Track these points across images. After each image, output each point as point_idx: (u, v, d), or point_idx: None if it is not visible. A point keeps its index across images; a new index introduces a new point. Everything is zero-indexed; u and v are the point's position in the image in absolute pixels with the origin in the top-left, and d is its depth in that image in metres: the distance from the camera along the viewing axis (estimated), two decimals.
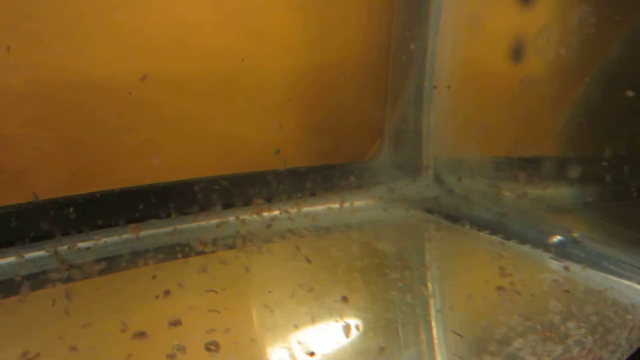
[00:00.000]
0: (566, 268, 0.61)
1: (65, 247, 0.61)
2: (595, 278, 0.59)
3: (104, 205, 0.65)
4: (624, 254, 0.61)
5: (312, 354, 0.46)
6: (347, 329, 0.49)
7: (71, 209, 0.63)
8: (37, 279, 0.56)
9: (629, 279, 0.58)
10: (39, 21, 0.60)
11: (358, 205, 0.79)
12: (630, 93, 0.59)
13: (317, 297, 0.55)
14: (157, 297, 0.54)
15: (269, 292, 0.56)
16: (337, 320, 0.51)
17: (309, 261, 0.62)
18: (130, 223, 0.66)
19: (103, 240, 0.63)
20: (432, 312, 0.55)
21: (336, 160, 0.82)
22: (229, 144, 0.75)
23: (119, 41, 0.65)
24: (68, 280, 0.56)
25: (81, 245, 0.62)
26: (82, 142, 0.65)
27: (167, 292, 0.54)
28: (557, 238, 0.66)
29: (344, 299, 0.54)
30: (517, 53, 0.73)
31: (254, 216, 0.72)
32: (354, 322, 0.51)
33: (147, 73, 0.66)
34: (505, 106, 0.76)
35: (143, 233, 0.66)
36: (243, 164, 0.75)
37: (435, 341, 0.50)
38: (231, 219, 0.71)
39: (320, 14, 0.78)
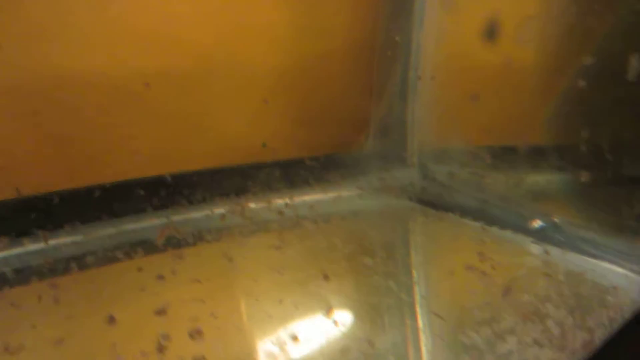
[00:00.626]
0: (546, 252, 0.62)
1: (51, 241, 0.61)
2: (575, 261, 0.60)
3: (89, 200, 0.65)
4: (603, 237, 0.61)
5: (295, 339, 0.46)
6: (330, 312, 0.50)
7: (56, 204, 0.63)
8: (22, 274, 0.56)
9: (609, 261, 0.59)
10: (26, 17, 0.60)
11: (344, 195, 0.79)
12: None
13: (302, 285, 0.56)
14: (142, 289, 0.54)
15: (254, 281, 0.57)
16: (321, 307, 0.51)
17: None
18: (115, 217, 0.66)
19: (88, 234, 0.64)
20: (417, 298, 0.55)
21: (323, 151, 0.83)
22: (216, 138, 0.75)
23: (105, 36, 0.65)
24: (53, 274, 0.56)
25: (66, 239, 0.62)
26: (68, 137, 0.65)
27: (152, 284, 0.54)
28: (537, 223, 0.67)
29: (325, 277, 0.55)
30: (498, 41, 0.73)
31: (240, 208, 0.72)
32: (338, 308, 0.51)
33: (133, 68, 0.67)
34: (489, 96, 0.77)
35: (129, 226, 0.66)
36: (230, 157, 0.75)
37: (420, 325, 0.50)
38: (217, 211, 0.71)
39: (306, 6, 0.78)
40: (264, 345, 0.46)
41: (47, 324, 0.48)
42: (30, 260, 0.59)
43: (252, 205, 0.73)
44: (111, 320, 0.48)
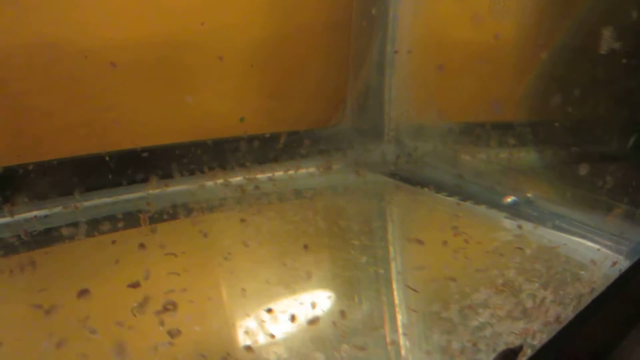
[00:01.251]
0: (519, 226, 0.62)
1: (22, 215, 0.61)
2: (548, 236, 0.61)
3: (62, 173, 0.64)
4: (576, 212, 0.62)
5: (269, 310, 0.46)
6: (305, 285, 0.50)
7: (29, 177, 0.62)
8: None
9: (581, 236, 0.60)
10: None
11: (320, 170, 0.79)
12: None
13: (277, 258, 0.56)
14: (116, 262, 0.54)
15: (230, 254, 0.56)
16: (297, 280, 0.51)
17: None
18: (89, 190, 0.65)
19: (61, 207, 0.63)
20: (393, 272, 0.56)
21: (299, 126, 0.82)
22: (192, 111, 0.74)
23: (73, 3, 0.63)
24: (25, 248, 0.56)
25: (38, 213, 0.61)
26: (39, 109, 0.64)
27: (127, 257, 0.54)
28: (511, 198, 0.68)
29: (301, 251, 0.55)
30: (478, 18, 0.73)
31: (216, 183, 0.72)
32: (314, 282, 0.51)
33: (104, 38, 0.65)
34: (466, 71, 0.77)
35: (103, 200, 0.66)
36: (206, 131, 0.74)
37: (395, 298, 0.51)
38: (193, 185, 0.71)
39: None
40: (239, 318, 0.46)
41: (19, 299, 0.48)
42: (1, 232, 0.58)
43: (228, 179, 0.73)
44: (85, 293, 0.47)
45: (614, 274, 0.52)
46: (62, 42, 0.63)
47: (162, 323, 0.44)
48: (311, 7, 0.81)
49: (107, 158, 0.67)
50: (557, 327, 0.43)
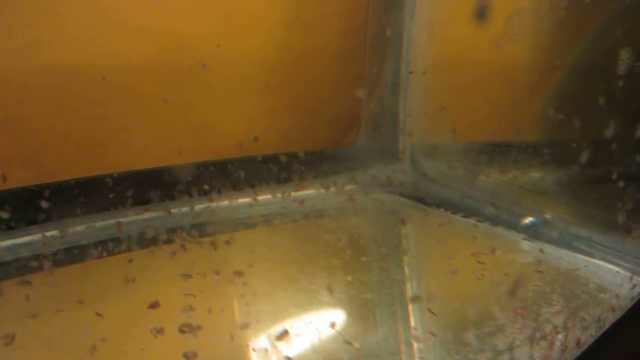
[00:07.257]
0: (540, 250, 0.62)
1: (37, 235, 0.61)
2: (567, 258, 0.60)
3: (77, 194, 0.65)
4: (595, 234, 0.61)
5: (285, 333, 0.46)
6: (321, 308, 0.50)
7: (44, 197, 0.62)
8: (8, 266, 0.56)
9: (601, 258, 0.59)
10: (8, 5, 0.59)
11: (335, 190, 0.79)
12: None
13: (293, 280, 0.55)
14: (132, 283, 0.54)
15: (245, 276, 0.56)
16: (313, 302, 0.51)
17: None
18: (104, 211, 0.65)
19: (76, 228, 0.63)
20: (409, 294, 0.55)
21: (314, 146, 0.82)
22: (206, 131, 0.75)
23: (92, 26, 0.64)
24: (41, 268, 0.56)
25: (53, 233, 0.61)
26: (55, 130, 0.65)
27: (143, 278, 0.54)
28: (529, 219, 0.67)
29: (317, 273, 0.55)
30: (493, 39, 0.73)
31: (230, 203, 0.72)
32: (330, 304, 0.51)
33: (121, 58, 0.66)
34: (481, 92, 0.77)
35: (118, 220, 0.66)
36: (220, 151, 0.75)
37: (412, 321, 0.50)
38: (207, 205, 0.71)
39: None
40: (255, 340, 0.46)
41: (36, 319, 0.47)
42: (20, 253, 0.58)
43: (243, 200, 0.73)
44: (101, 313, 0.47)
45: (634, 296, 0.51)
46: (79, 64, 0.64)
47: (178, 346, 0.44)
48: (326, 29, 0.81)
49: (122, 178, 0.67)
50: (577, 352, 0.42)
